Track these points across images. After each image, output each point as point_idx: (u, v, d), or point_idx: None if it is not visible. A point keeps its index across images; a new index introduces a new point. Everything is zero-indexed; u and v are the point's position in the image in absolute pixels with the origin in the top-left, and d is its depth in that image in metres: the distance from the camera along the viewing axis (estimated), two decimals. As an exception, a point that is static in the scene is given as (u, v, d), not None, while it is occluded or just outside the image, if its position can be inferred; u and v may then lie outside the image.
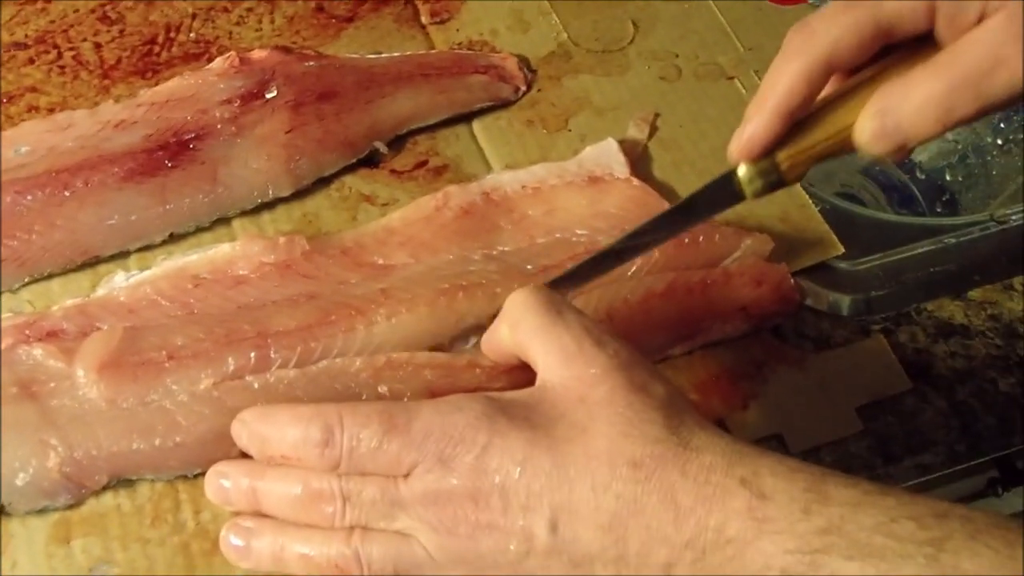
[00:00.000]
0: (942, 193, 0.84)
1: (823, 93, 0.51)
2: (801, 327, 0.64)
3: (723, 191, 0.53)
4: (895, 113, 0.48)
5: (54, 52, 0.73)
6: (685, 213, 0.56)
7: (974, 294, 0.66)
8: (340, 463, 0.50)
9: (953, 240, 0.67)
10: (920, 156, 0.86)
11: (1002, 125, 0.85)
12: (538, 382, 0.51)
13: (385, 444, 0.49)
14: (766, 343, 0.63)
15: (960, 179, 0.84)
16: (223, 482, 0.53)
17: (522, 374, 0.56)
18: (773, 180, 0.52)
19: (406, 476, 0.49)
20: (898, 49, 0.50)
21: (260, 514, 0.53)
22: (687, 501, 0.45)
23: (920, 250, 0.67)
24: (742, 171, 0.52)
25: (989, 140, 0.84)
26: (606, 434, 0.47)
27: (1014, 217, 0.68)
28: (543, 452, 0.48)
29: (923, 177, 0.83)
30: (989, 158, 0.84)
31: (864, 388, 0.62)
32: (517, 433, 0.48)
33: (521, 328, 0.52)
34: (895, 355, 0.63)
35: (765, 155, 0.51)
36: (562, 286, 0.57)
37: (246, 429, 0.53)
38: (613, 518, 0.46)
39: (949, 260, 0.67)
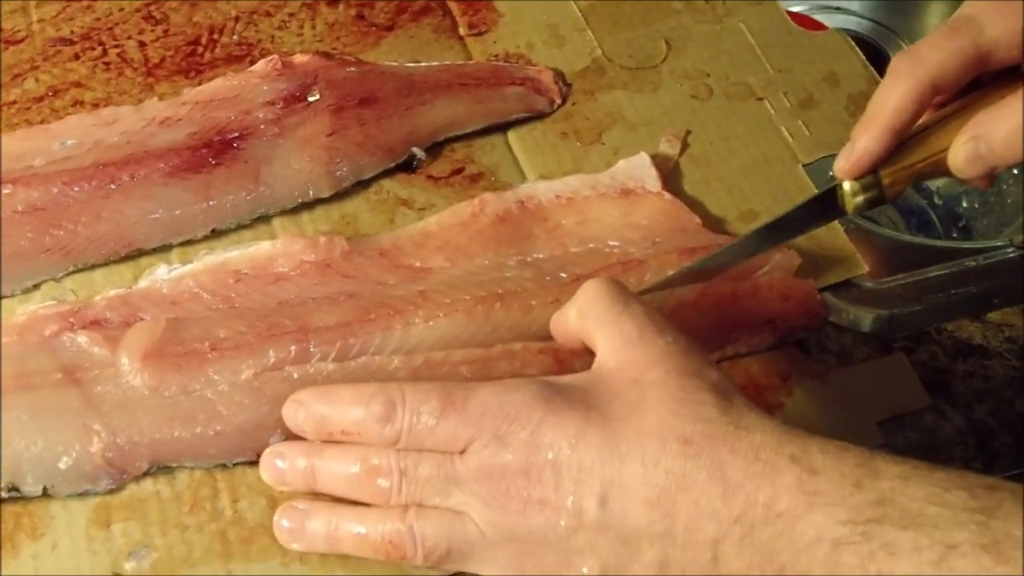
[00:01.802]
0: (958, 220, 0.86)
1: (921, 119, 0.55)
2: (824, 342, 0.66)
3: (825, 206, 0.58)
4: (988, 139, 0.53)
5: (99, 49, 0.74)
6: (783, 227, 0.59)
7: (993, 316, 0.68)
8: (400, 438, 0.51)
9: (973, 263, 0.69)
10: (938, 182, 0.88)
11: (1018, 155, 0.86)
12: (595, 366, 0.53)
13: (443, 420, 0.51)
14: (791, 356, 0.64)
15: (976, 207, 0.86)
16: (279, 463, 0.55)
17: (561, 362, 0.60)
18: (874, 196, 0.57)
19: (462, 452, 0.51)
20: (992, 79, 0.54)
21: (312, 496, 0.54)
22: (737, 477, 0.47)
23: (941, 272, 0.68)
24: (848, 186, 0.56)
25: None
26: (657, 411, 0.49)
27: (1032, 243, 0.70)
28: (595, 428, 0.49)
29: (940, 203, 0.85)
30: (1004, 187, 0.86)
31: (885, 403, 0.63)
32: (571, 411, 0.50)
33: (588, 315, 0.54)
34: (916, 372, 0.65)
35: (870, 172, 0.55)
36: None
37: (303, 408, 0.54)
38: (662, 493, 0.47)
39: (969, 283, 0.68)
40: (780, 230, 0.60)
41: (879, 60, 1.05)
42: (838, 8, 1.08)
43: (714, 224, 0.68)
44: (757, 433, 0.48)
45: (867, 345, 0.66)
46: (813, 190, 0.70)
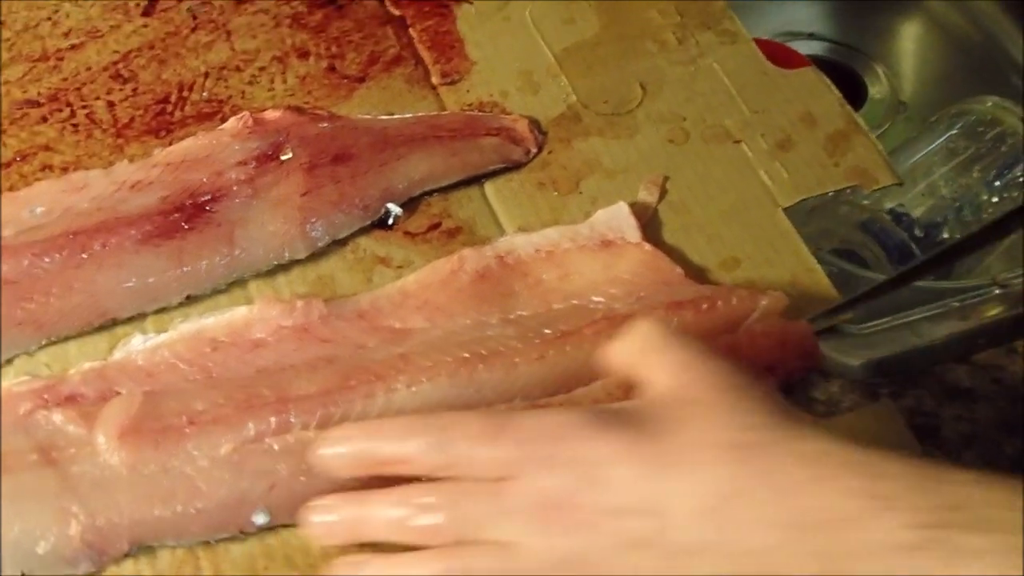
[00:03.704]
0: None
1: None
2: (811, 390, 0.65)
3: None
4: None
5: (67, 110, 0.73)
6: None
7: (979, 357, 0.67)
8: (449, 467, 0.51)
9: (957, 304, 0.68)
10: (916, 211, 0.88)
11: (997, 183, 0.86)
12: (640, 393, 0.53)
13: (492, 446, 0.50)
14: (778, 407, 0.64)
15: (958, 236, 0.85)
16: (324, 517, 0.54)
17: None
18: None
19: (510, 479, 0.50)
20: None
21: (358, 547, 0.54)
22: (792, 482, 0.46)
23: (926, 314, 0.68)
24: None
25: (984, 197, 0.86)
26: (709, 423, 0.49)
27: (1015, 281, 0.69)
28: (642, 444, 0.49)
29: (921, 235, 0.85)
30: (985, 215, 0.86)
31: (874, 452, 0.63)
32: (617, 429, 0.49)
33: (635, 348, 0.54)
34: (904, 419, 0.64)
35: None
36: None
37: (348, 445, 0.54)
38: (716, 503, 0.47)
39: (955, 324, 0.68)
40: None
41: (854, 85, 1.06)
42: (810, 35, 1.08)
43: (696, 273, 0.67)
44: (811, 440, 0.47)
45: (854, 392, 0.65)
46: (794, 235, 0.69)
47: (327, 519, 0.54)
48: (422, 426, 0.52)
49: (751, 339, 0.63)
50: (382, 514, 0.53)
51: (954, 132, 0.89)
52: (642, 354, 0.54)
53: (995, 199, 0.86)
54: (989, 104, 0.91)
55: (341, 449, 0.54)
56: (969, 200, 0.86)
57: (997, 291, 0.69)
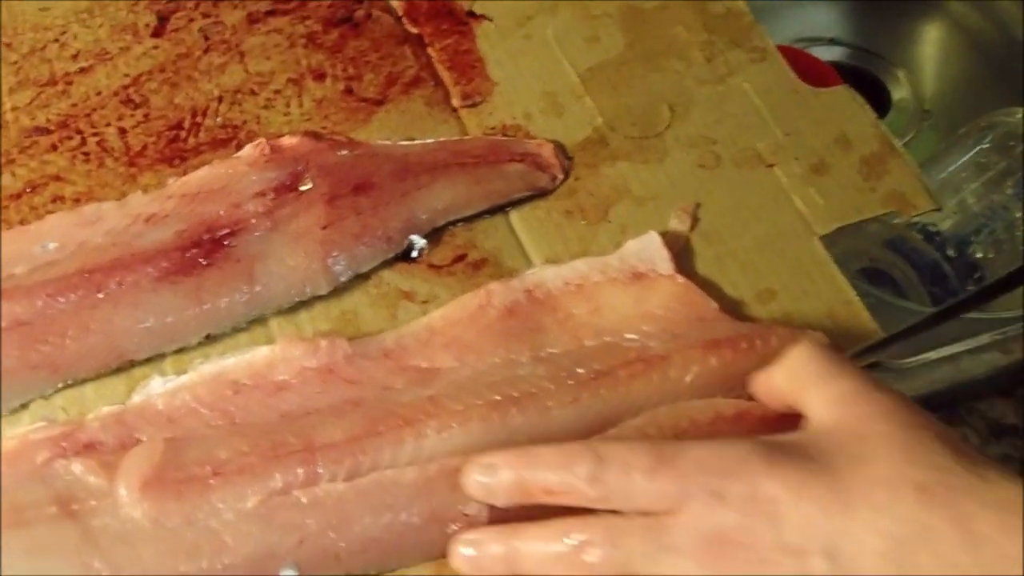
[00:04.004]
0: (973, 270, 0.83)
1: None
2: (851, 428, 0.63)
3: None
4: None
5: (78, 138, 0.71)
6: None
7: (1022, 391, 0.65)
8: (608, 498, 0.49)
9: (999, 337, 0.66)
10: (946, 228, 0.86)
11: (1029, 198, 0.85)
12: (809, 424, 0.51)
13: (655, 477, 0.48)
14: (819, 448, 0.62)
15: (990, 256, 0.83)
16: (473, 550, 0.52)
17: None
18: None
19: (674, 512, 0.48)
20: None
21: None
22: (985, 529, 0.44)
23: (968, 348, 0.66)
24: None
25: (1018, 214, 0.84)
26: (887, 460, 0.46)
27: (1057, 311, 0.68)
28: (820, 480, 0.47)
29: (954, 255, 0.83)
30: (1018, 232, 0.84)
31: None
32: (792, 464, 0.47)
33: (799, 376, 0.52)
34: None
35: None
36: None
37: (497, 472, 0.52)
38: (898, 544, 0.45)
39: (997, 357, 0.66)
40: None
41: (876, 92, 1.03)
42: (832, 40, 1.06)
43: (731, 307, 0.65)
44: (1004, 488, 0.45)
45: (895, 429, 0.63)
46: (831, 265, 0.67)
47: (476, 553, 0.52)
48: (581, 454, 0.50)
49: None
50: (536, 549, 0.51)
51: (984, 146, 0.87)
52: (806, 382, 0.52)
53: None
54: (1019, 116, 0.89)
55: (496, 477, 0.52)
56: (1001, 217, 0.84)
57: (1042, 322, 0.67)
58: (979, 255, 0.83)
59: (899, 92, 1.03)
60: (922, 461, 0.46)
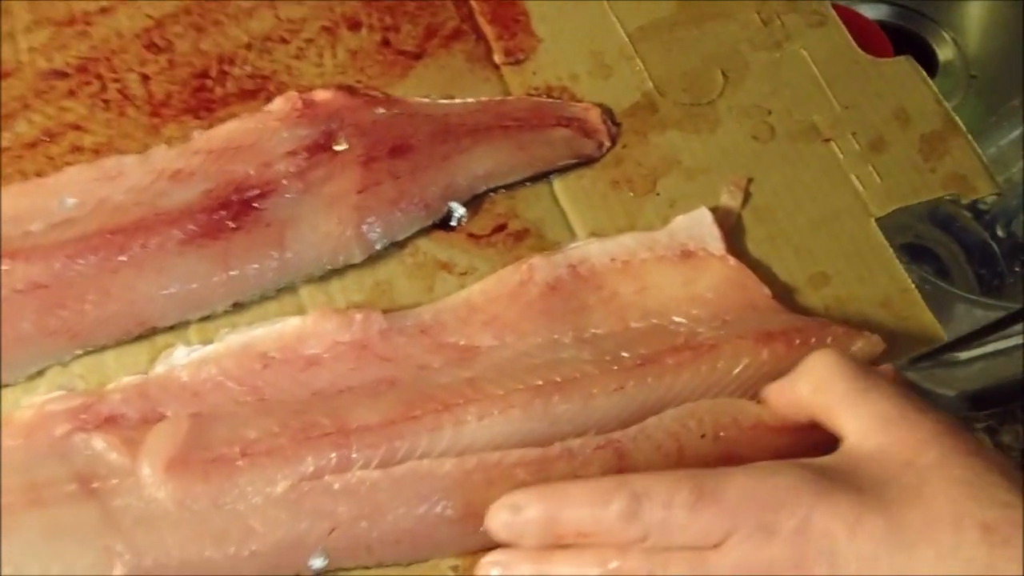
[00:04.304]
0: (1021, 252, 0.80)
1: None
2: (903, 424, 0.61)
3: None
4: None
5: (97, 83, 0.67)
6: None
7: (1080, 390, 0.63)
8: (648, 536, 0.46)
9: (1052, 331, 0.64)
10: (995, 207, 0.82)
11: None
12: (849, 447, 0.48)
13: (698, 513, 0.46)
14: (871, 445, 0.59)
15: (1041, 237, 0.80)
16: (502, 573, 0.49)
17: (622, 456, 0.54)
18: None
19: (717, 547, 0.46)
20: None
21: None
22: None
23: (1019, 342, 0.63)
24: None
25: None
26: (947, 495, 0.44)
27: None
28: (875, 514, 0.44)
29: (1003, 235, 0.80)
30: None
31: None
32: (843, 496, 0.45)
33: (827, 391, 0.50)
34: (1002, 458, 0.60)
35: None
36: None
37: (520, 515, 0.49)
38: None
39: (1051, 353, 0.63)
40: None
41: (923, 51, 1.00)
42: (878, -2, 1.02)
43: (783, 292, 0.62)
44: None
45: (950, 427, 0.61)
46: (887, 250, 0.64)
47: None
48: (615, 490, 0.47)
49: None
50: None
51: (1037, 121, 0.83)
52: (838, 399, 0.49)
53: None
54: (1072, 89, 0.86)
55: (523, 516, 0.49)
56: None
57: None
58: (1029, 237, 0.80)
59: (945, 54, 0.99)
60: (984, 496, 0.44)
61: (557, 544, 0.49)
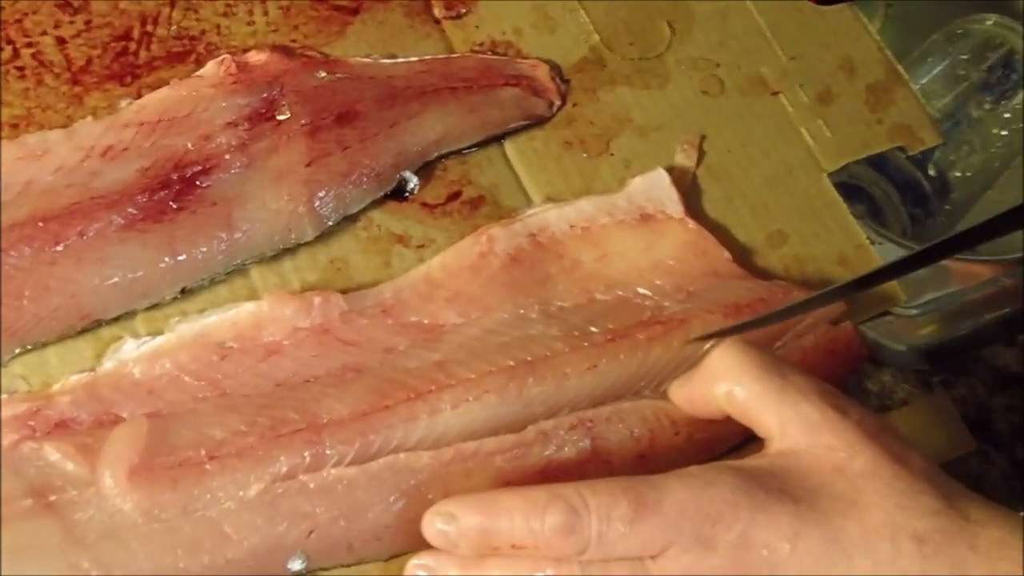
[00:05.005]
0: (950, 190, 0.81)
1: None
2: (863, 381, 0.62)
3: None
4: None
5: (9, 49, 0.62)
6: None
7: (1025, 338, 0.64)
8: (587, 549, 0.45)
9: (1006, 282, 0.65)
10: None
11: (1007, 115, 0.82)
12: (778, 450, 0.48)
13: (637, 525, 0.45)
14: (836, 407, 0.60)
15: (967, 174, 0.81)
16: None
17: (596, 437, 0.54)
18: None
19: (655, 558, 0.45)
20: None
21: None
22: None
23: (973, 295, 0.64)
24: None
25: (995, 131, 0.82)
26: (881, 506, 0.45)
27: (1061, 255, 0.66)
28: (813, 526, 0.45)
29: (934, 173, 0.80)
30: (993, 150, 0.82)
31: (933, 451, 0.59)
32: (780, 507, 0.45)
33: (744, 394, 0.49)
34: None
35: None
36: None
37: (454, 524, 0.47)
38: None
39: (1001, 304, 0.64)
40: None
41: None
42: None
43: (742, 253, 0.62)
44: (992, 528, 0.45)
45: (906, 382, 0.62)
46: (841, 205, 0.64)
47: None
48: (551, 502, 0.46)
49: (803, 354, 0.59)
50: None
51: (963, 56, 0.84)
52: (756, 402, 0.49)
53: (1004, 132, 0.81)
54: (990, 23, 0.86)
55: (457, 526, 0.47)
56: (980, 134, 0.82)
57: (1047, 267, 0.65)
58: (957, 173, 0.81)
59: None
60: (915, 506, 0.45)
61: (492, 555, 0.47)
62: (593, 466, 0.55)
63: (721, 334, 0.55)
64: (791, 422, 0.47)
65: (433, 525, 0.47)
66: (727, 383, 0.50)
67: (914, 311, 0.63)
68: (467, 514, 0.47)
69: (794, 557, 0.44)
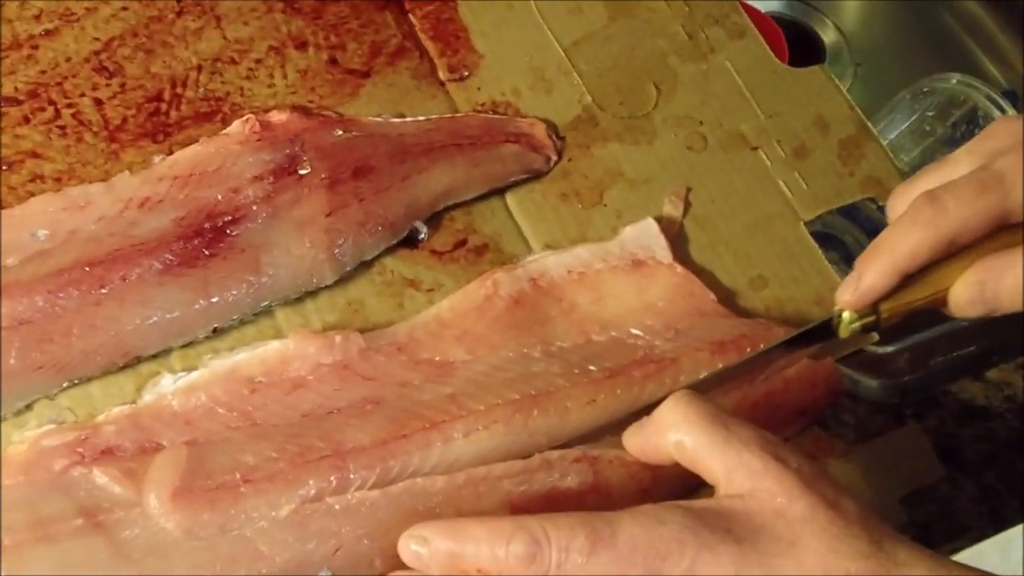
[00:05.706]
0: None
1: None
2: (840, 414, 0.67)
3: (822, 331, 0.58)
4: (994, 285, 0.54)
5: (51, 109, 0.67)
6: (787, 347, 0.58)
7: (991, 374, 0.69)
8: None
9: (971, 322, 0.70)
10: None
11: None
12: (724, 494, 0.52)
13: (593, 557, 0.48)
14: (815, 436, 0.65)
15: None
16: None
17: (598, 472, 0.59)
18: (870, 324, 0.57)
19: None
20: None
21: None
22: None
23: (942, 332, 0.69)
24: (847, 316, 0.56)
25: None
26: (815, 549, 0.49)
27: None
28: (754, 566, 0.48)
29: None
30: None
31: (904, 478, 0.65)
32: (724, 547, 0.49)
33: (692, 443, 0.52)
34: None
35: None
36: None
37: (427, 547, 0.51)
38: None
39: (970, 342, 0.70)
40: (786, 349, 0.60)
41: (809, 40, 1.06)
42: (765, -9, 1.07)
43: (726, 296, 0.67)
44: (917, 568, 0.48)
45: (880, 414, 0.67)
46: (816, 251, 0.70)
47: None
48: (514, 532, 0.50)
49: (785, 385, 0.64)
50: None
51: (929, 113, 0.90)
52: (703, 452, 0.52)
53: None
54: (954, 82, 0.93)
55: (428, 548, 0.51)
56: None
57: (1008, 309, 0.71)
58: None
59: (832, 42, 1.06)
60: (846, 549, 0.49)
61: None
62: (593, 497, 0.59)
63: (714, 378, 0.61)
64: (736, 470, 0.51)
65: (408, 547, 0.52)
66: (676, 433, 0.53)
67: (889, 348, 0.69)
68: (438, 538, 0.51)
69: None
